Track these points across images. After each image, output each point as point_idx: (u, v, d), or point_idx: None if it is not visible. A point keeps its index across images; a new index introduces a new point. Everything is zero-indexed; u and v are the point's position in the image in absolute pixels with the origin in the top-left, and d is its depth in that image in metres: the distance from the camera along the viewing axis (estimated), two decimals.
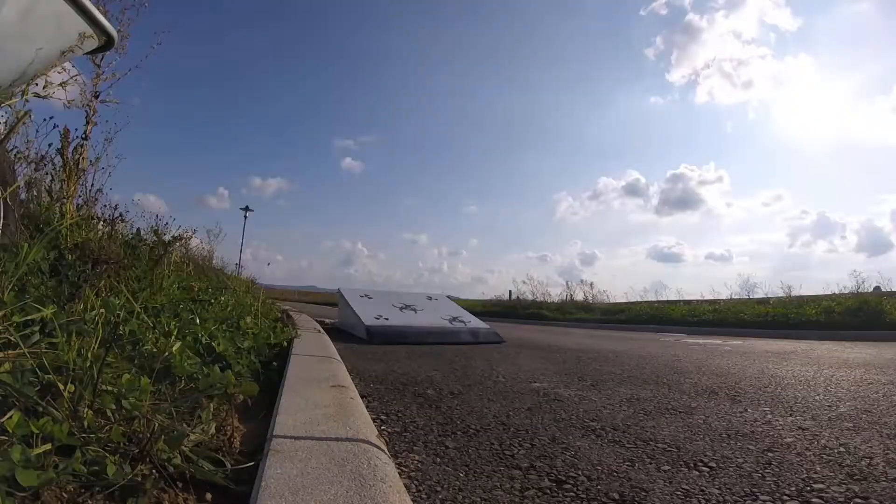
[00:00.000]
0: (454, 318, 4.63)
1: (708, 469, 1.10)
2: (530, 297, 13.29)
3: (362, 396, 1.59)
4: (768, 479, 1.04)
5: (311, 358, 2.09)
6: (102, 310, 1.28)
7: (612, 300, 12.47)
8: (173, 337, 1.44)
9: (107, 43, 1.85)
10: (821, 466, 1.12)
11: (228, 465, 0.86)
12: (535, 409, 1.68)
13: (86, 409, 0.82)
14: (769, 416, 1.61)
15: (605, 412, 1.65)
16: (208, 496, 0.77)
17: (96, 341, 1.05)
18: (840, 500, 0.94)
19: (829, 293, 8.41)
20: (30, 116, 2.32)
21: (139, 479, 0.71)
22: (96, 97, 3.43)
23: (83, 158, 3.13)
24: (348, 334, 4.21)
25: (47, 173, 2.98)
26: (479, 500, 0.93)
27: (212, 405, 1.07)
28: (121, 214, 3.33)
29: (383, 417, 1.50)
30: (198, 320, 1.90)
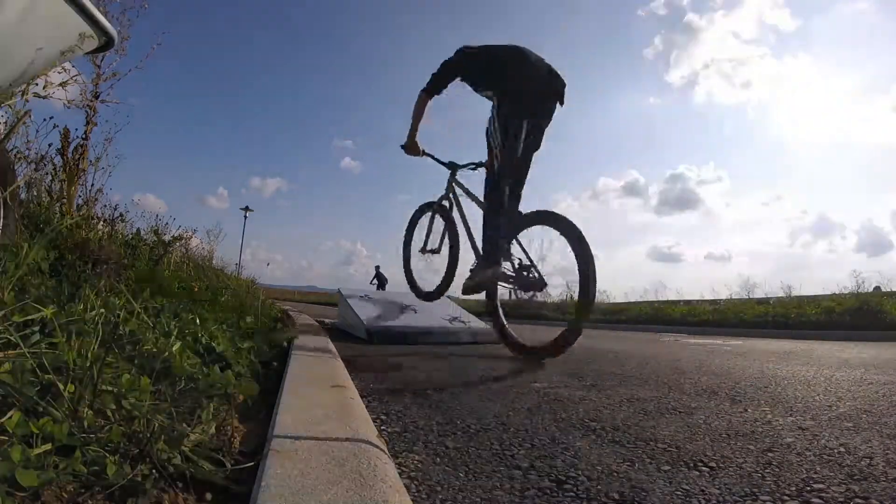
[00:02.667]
0: (454, 318, 4.63)
1: (708, 469, 1.10)
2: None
3: (362, 396, 1.59)
4: (768, 479, 1.04)
5: (311, 358, 2.09)
6: (102, 310, 1.28)
7: (611, 300, 12.49)
8: (173, 337, 1.44)
9: (107, 43, 1.85)
10: (821, 466, 1.12)
11: (228, 466, 0.86)
12: (535, 409, 1.68)
13: (86, 409, 0.82)
14: (769, 416, 1.61)
15: (605, 412, 1.65)
16: (208, 496, 0.77)
17: (96, 341, 1.05)
18: (840, 500, 0.94)
19: (829, 293, 8.42)
20: (30, 116, 2.33)
21: (139, 479, 0.71)
22: (96, 97, 3.43)
23: (83, 158, 3.13)
24: (348, 334, 4.21)
25: (47, 173, 2.99)
26: (479, 499, 0.93)
27: (212, 405, 1.07)
28: (121, 214, 3.34)
29: (383, 417, 1.50)
30: (198, 320, 1.90)
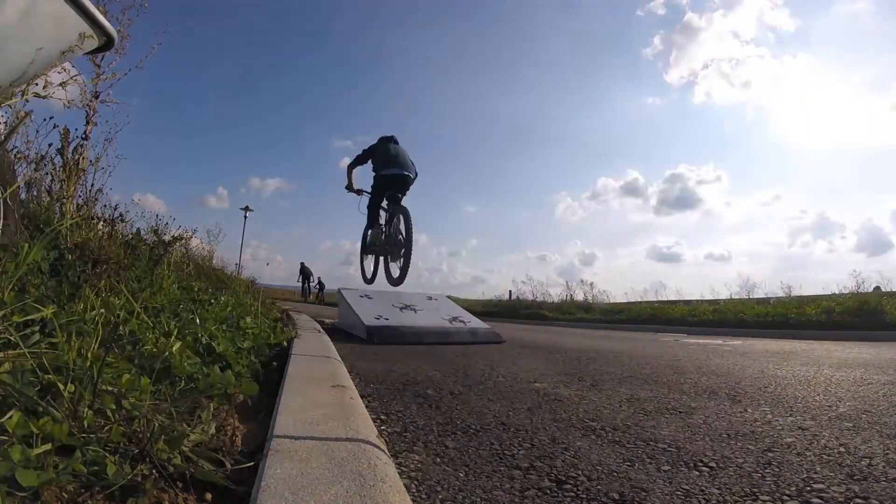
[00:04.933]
0: (454, 318, 4.63)
1: (708, 469, 1.10)
2: (530, 297, 13.31)
3: (362, 396, 1.59)
4: (768, 479, 1.04)
5: (311, 358, 2.09)
6: (102, 310, 1.28)
7: (612, 300, 12.49)
8: (173, 337, 1.44)
9: (107, 43, 1.85)
10: (821, 466, 1.12)
11: (228, 466, 0.86)
12: (535, 409, 1.68)
13: (86, 409, 0.82)
14: (769, 416, 1.62)
15: (605, 412, 1.66)
16: (208, 496, 0.77)
17: (96, 341, 1.05)
18: (840, 500, 0.94)
19: (829, 293, 8.41)
20: (30, 117, 2.33)
21: (139, 479, 0.71)
22: (96, 97, 3.43)
23: (83, 158, 3.13)
24: (348, 334, 4.21)
25: (47, 173, 2.98)
26: (479, 500, 0.93)
27: (212, 405, 1.07)
28: (121, 214, 3.33)
29: (383, 417, 1.50)
30: (198, 320, 1.90)
